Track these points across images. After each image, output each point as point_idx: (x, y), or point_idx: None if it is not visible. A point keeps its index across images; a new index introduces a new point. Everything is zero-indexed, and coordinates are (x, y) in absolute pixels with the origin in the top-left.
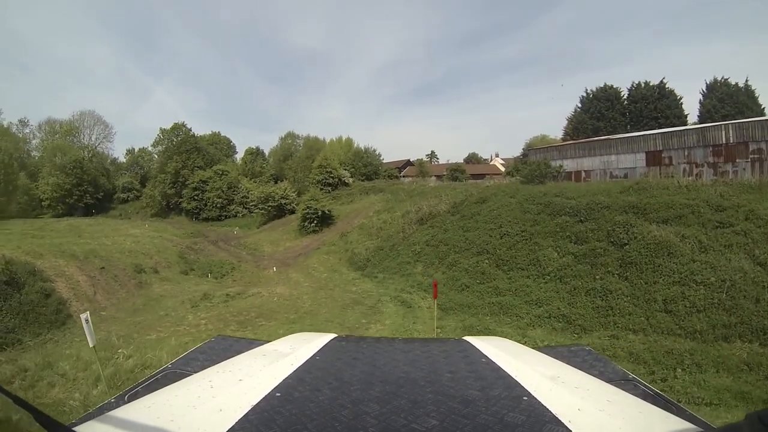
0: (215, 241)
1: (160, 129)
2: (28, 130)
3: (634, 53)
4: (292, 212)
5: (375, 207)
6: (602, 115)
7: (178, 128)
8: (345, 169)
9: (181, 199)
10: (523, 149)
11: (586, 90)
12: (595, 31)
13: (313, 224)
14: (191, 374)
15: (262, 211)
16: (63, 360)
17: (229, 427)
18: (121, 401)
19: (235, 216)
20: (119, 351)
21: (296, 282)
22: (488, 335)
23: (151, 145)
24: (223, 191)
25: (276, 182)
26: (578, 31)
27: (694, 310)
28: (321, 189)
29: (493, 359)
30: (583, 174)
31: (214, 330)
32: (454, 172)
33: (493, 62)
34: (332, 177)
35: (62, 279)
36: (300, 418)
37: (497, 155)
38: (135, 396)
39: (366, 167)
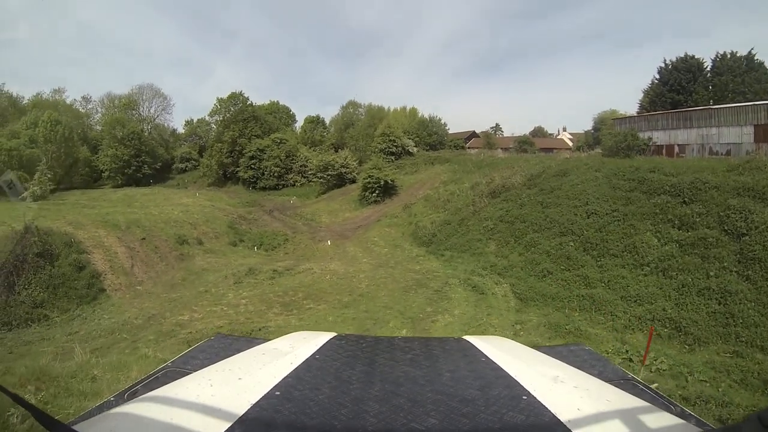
0: (270, 211)
1: (217, 98)
2: (90, 106)
3: (714, 22)
4: (353, 182)
5: (441, 178)
6: (682, 87)
7: (236, 97)
8: (409, 138)
9: (237, 168)
10: (593, 123)
11: (665, 61)
12: None
13: (374, 194)
14: (191, 373)
15: (321, 180)
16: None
17: (229, 425)
18: (120, 399)
19: (293, 185)
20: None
21: (353, 257)
22: (579, 337)
23: (208, 115)
24: (280, 160)
25: (336, 151)
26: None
27: None
28: (383, 158)
29: (492, 359)
30: (677, 148)
31: (254, 312)
32: (522, 145)
33: (559, 34)
34: (395, 146)
35: (100, 250)
36: (299, 417)
37: (564, 129)
38: (134, 394)
39: (431, 137)
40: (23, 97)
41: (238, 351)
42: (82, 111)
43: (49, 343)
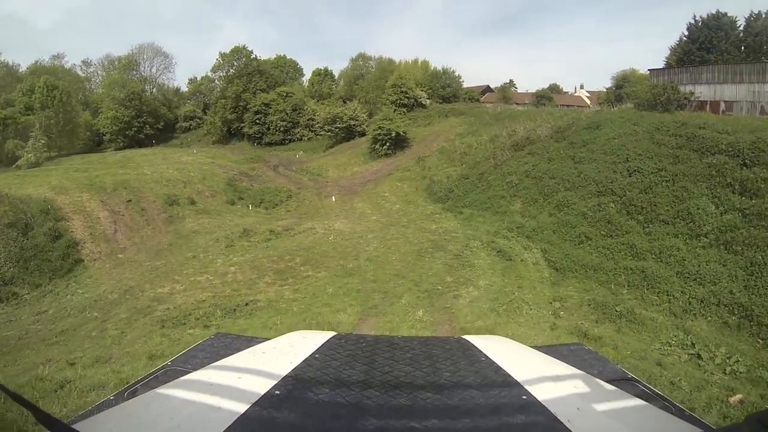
0: (275, 166)
1: (220, 53)
2: (91, 69)
3: None
4: (362, 135)
5: (456, 130)
6: (713, 46)
7: (239, 51)
8: (421, 90)
9: (242, 124)
10: (612, 81)
11: (695, 17)
12: None
13: (385, 147)
14: (191, 372)
15: (329, 133)
16: None
17: (228, 425)
18: (120, 398)
19: (300, 139)
20: None
21: (361, 214)
22: (633, 323)
23: (211, 71)
24: (287, 114)
25: (345, 104)
26: None
27: None
28: (395, 110)
29: (492, 358)
30: (722, 105)
31: (243, 282)
32: (541, 99)
33: None
34: (407, 97)
35: (80, 216)
36: (299, 417)
37: (582, 87)
38: (134, 393)
39: (444, 89)
40: (19, 65)
41: (238, 350)
42: (83, 75)
43: (14, 326)
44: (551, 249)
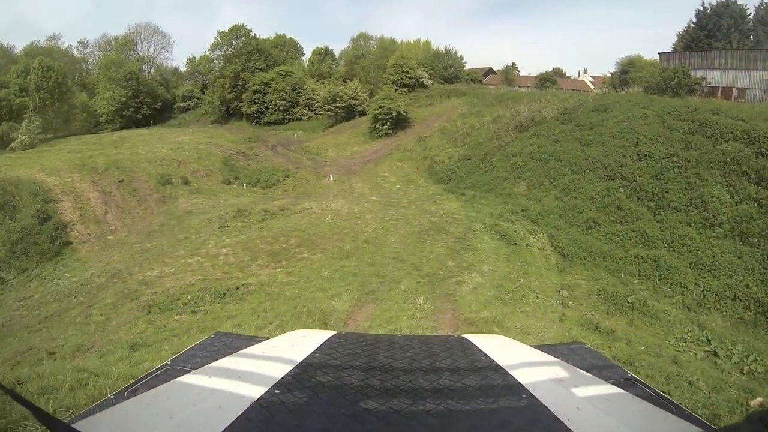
0: (274, 146)
1: (218, 32)
2: (88, 50)
3: None
4: (363, 114)
5: (458, 110)
6: (722, 34)
7: (238, 30)
8: (423, 70)
9: (241, 104)
10: (617, 66)
11: (704, 4)
12: None
13: (385, 126)
14: (191, 371)
15: (329, 113)
16: None
17: (228, 424)
18: (120, 398)
19: (300, 119)
20: None
21: (360, 194)
22: (645, 315)
23: (209, 50)
24: (286, 93)
25: (345, 83)
26: None
27: None
28: (396, 90)
29: (492, 357)
30: (735, 92)
31: (235, 265)
32: (545, 82)
33: None
34: (409, 77)
35: (69, 198)
36: (299, 416)
37: (586, 71)
38: (134, 393)
39: (446, 70)
40: (14, 46)
41: (238, 349)
42: (79, 56)
43: None
44: (558, 234)
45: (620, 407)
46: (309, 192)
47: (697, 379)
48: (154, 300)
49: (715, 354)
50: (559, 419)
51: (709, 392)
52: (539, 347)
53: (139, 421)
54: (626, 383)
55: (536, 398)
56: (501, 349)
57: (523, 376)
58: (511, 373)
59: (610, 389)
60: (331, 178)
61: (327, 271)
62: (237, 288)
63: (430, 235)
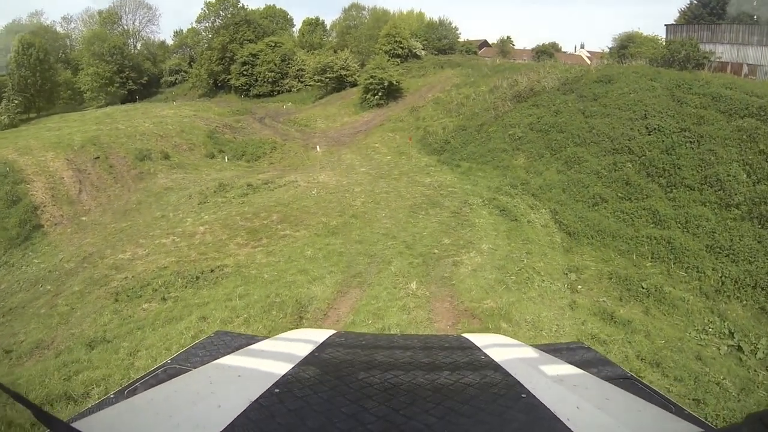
0: (262, 118)
1: (206, 2)
2: (72, 26)
3: None
4: (354, 85)
5: (453, 81)
6: (724, 12)
7: (225, 0)
8: (416, 41)
9: (229, 76)
10: (614, 42)
11: None
12: None
13: (377, 97)
14: (190, 370)
15: (319, 83)
16: None
17: (228, 423)
18: (120, 397)
19: (289, 91)
20: None
21: (349, 166)
22: (662, 303)
23: (196, 21)
24: (275, 64)
25: (335, 53)
26: None
27: None
28: (388, 60)
29: (492, 356)
30: (746, 68)
31: (212, 244)
32: (542, 55)
33: None
34: (401, 48)
35: (42, 178)
36: (299, 415)
37: (583, 46)
38: (134, 392)
39: (440, 41)
40: None
41: (238, 348)
42: (63, 32)
43: None
44: (562, 210)
45: (620, 407)
46: (296, 164)
47: (724, 379)
48: (123, 286)
49: (739, 349)
50: (558, 418)
51: (738, 394)
52: (539, 346)
53: (138, 420)
54: (626, 382)
55: (535, 397)
56: (500, 348)
57: (523, 375)
58: (511, 372)
59: (610, 389)
60: (318, 149)
61: (310, 250)
62: (212, 271)
63: (423, 209)
